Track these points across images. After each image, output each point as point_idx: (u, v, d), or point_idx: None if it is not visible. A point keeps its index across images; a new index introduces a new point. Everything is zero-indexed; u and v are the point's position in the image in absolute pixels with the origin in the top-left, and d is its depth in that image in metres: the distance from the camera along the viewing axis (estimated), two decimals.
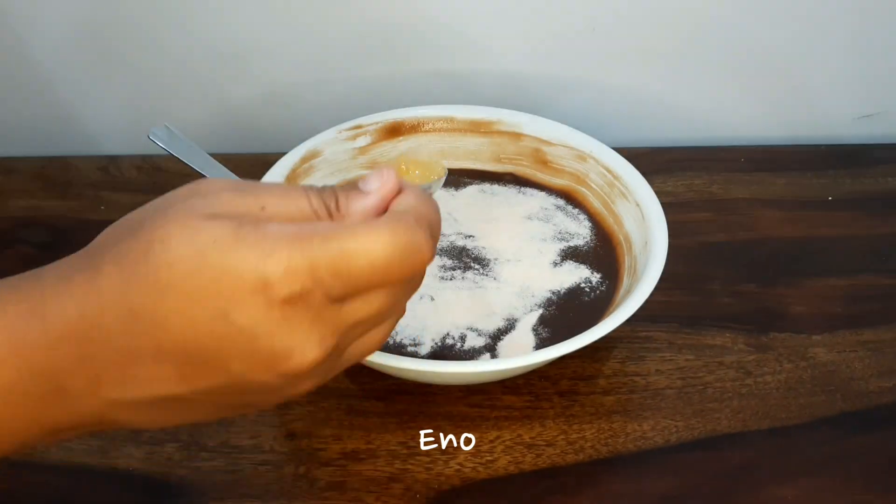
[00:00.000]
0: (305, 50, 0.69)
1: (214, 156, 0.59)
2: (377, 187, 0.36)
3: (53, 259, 0.35)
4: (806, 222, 0.67)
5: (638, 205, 0.59)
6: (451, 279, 0.58)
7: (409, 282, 0.37)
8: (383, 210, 0.36)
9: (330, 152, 0.63)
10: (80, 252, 0.35)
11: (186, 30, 0.63)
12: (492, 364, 0.51)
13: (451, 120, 0.66)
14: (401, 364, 0.49)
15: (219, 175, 0.57)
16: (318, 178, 0.62)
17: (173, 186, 0.35)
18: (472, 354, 0.54)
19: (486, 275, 0.59)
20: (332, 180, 0.63)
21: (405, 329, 0.55)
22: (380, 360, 0.48)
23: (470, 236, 0.61)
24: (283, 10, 0.67)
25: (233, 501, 0.49)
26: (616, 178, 0.61)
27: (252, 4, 0.66)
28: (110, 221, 0.35)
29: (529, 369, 0.53)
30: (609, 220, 0.62)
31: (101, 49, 0.70)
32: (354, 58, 0.69)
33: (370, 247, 0.33)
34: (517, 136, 0.65)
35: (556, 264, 0.60)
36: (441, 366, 0.49)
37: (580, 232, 0.62)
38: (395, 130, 0.65)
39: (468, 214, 0.63)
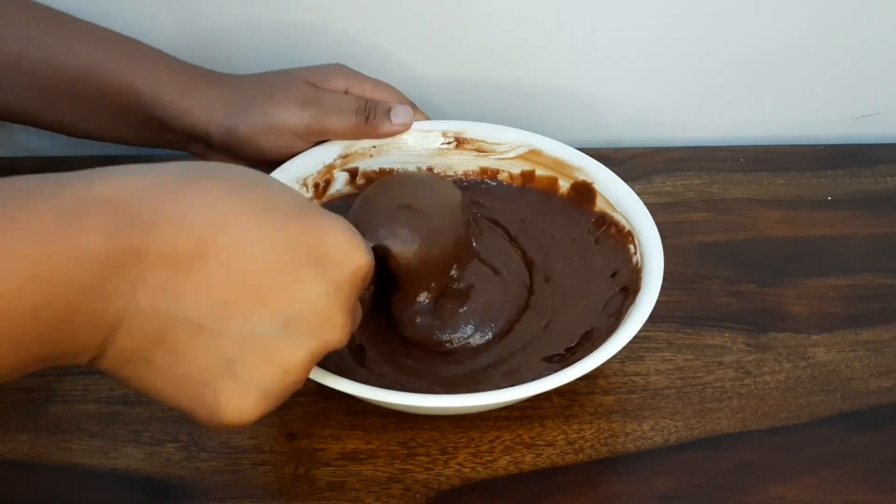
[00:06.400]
0: (307, 50, 0.69)
1: None
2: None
3: None
4: (805, 222, 0.67)
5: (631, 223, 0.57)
6: None
7: None
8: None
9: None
10: None
11: (189, 26, 0.63)
12: (487, 397, 0.48)
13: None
14: (406, 400, 0.47)
15: None
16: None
17: None
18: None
19: None
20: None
21: None
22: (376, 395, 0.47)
23: None
24: (283, 8, 0.67)
25: (233, 502, 0.49)
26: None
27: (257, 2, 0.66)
28: None
29: (523, 399, 0.51)
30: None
31: None
32: (356, 60, 0.70)
33: None
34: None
35: None
36: (429, 400, 0.47)
37: None
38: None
39: None
